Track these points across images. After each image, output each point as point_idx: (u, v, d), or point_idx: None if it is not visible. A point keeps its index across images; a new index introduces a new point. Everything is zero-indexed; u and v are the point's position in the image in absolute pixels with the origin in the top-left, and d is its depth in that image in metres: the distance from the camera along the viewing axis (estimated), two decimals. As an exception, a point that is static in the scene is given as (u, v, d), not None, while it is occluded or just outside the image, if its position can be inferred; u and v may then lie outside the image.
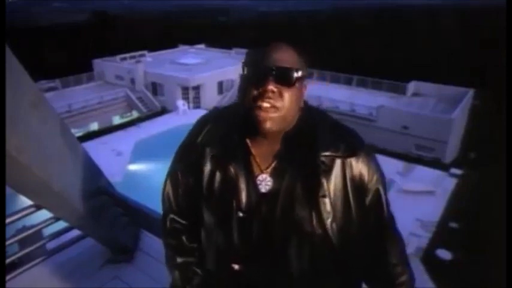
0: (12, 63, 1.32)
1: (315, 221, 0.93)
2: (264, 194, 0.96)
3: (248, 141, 0.98)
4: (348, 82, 22.54)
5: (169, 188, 1.11)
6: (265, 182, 0.97)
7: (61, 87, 23.14)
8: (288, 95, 0.91)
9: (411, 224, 11.61)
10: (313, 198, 0.93)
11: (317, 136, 0.95)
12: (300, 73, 0.92)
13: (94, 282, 2.26)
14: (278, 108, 0.90)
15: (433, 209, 12.89)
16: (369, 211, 0.98)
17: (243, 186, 0.96)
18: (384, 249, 1.03)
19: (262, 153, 0.98)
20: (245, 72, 0.94)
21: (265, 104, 0.90)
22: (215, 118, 1.06)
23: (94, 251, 2.42)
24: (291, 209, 0.94)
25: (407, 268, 1.05)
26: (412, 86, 20.96)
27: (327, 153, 0.94)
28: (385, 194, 1.01)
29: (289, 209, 0.94)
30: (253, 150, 0.98)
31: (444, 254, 11.31)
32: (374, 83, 21.84)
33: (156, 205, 1.63)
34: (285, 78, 0.91)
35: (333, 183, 0.93)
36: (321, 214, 0.93)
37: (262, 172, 0.97)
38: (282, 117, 0.91)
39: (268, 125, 0.90)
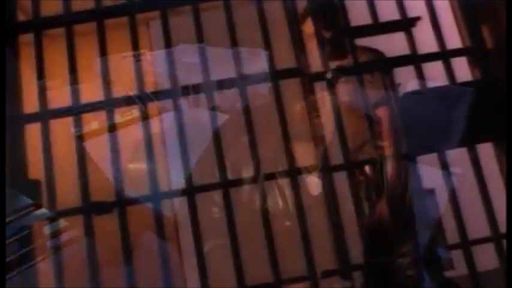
0: (12, 62, 1.32)
1: (368, 213, 0.94)
2: (314, 196, 0.95)
3: (293, 146, 0.96)
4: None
5: None
6: (315, 184, 0.96)
7: (61, 86, 23.12)
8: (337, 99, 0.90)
9: (411, 222, 11.62)
10: (370, 191, 0.94)
11: (364, 131, 0.96)
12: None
13: (94, 282, 2.26)
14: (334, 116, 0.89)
15: (433, 207, 12.88)
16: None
17: (289, 192, 0.95)
18: (401, 238, 1.04)
19: (307, 157, 0.97)
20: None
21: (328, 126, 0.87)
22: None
23: (94, 251, 2.42)
24: (346, 205, 0.93)
25: (418, 260, 1.06)
26: (411, 84, 20.93)
27: (373, 147, 0.95)
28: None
29: (343, 205, 0.93)
30: (297, 155, 0.96)
31: (444, 253, 11.32)
32: (373, 81, 21.79)
33: (156, 204, 1.63)
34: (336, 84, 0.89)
35: (380, 176, 0.95)
36: (375, 206, 0.94)
37: (311, 174, 0.96)
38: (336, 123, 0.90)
39: (331, 135, 0.89)
